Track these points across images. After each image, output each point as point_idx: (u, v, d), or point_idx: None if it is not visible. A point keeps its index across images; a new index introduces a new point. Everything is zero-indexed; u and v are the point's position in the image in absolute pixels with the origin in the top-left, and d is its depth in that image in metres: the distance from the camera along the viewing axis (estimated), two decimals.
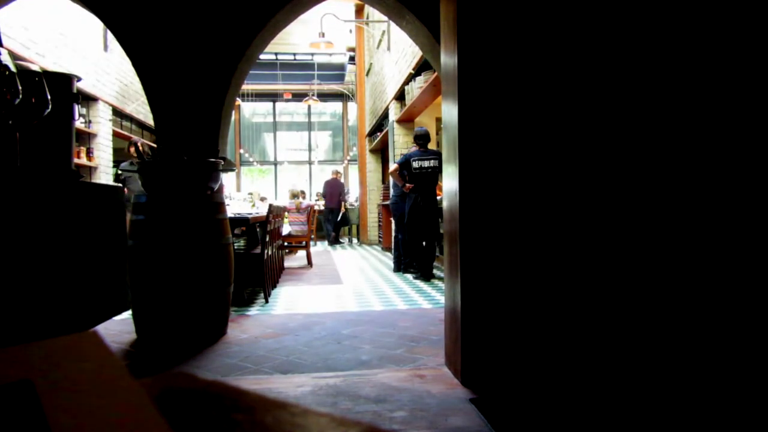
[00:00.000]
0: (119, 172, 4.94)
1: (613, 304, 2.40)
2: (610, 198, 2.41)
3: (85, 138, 8.17)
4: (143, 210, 3.16)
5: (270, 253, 5.03)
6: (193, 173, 3.23)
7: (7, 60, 1.27)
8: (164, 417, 0.22)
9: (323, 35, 9.73)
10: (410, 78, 8.12)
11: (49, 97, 1.41)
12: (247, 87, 14.35)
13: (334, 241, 12.50)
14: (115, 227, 1.91)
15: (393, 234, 6.80)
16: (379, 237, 10.88)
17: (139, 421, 0.21)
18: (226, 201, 4.18)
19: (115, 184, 4.95)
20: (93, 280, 1.69)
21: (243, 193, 10.31)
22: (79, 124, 7.90)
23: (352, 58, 14.34)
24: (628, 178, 2.42)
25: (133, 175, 7.91)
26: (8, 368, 0.23)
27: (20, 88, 1.27)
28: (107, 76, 8.77)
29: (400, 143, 9.58)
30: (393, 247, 6.94)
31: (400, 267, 6.68)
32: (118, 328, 3.50)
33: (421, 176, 5.88)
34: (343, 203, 12.51)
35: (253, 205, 7.39)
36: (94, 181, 7.79)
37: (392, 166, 6.24)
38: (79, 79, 1.81)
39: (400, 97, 9.33)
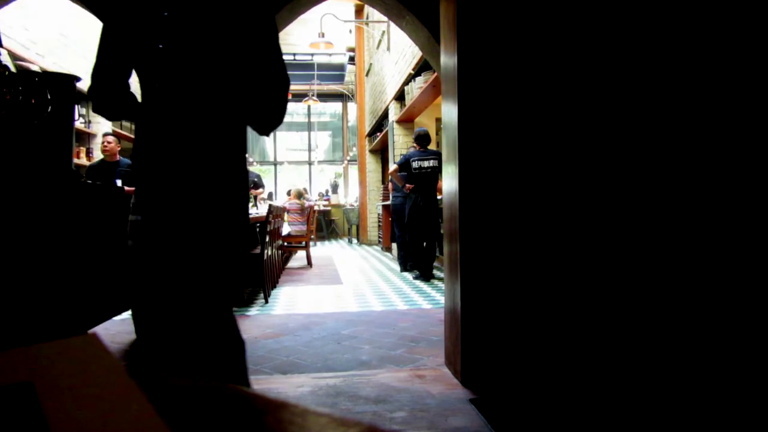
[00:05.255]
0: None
1: (613, 303, 2.40)
2: (610, 198, 2.41)
3: (85, 138, 8.17)
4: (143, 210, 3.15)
5: (270, 253, 5.03)
6: None
7: (7, 60, 1.27)
8: (163, 417, 0.22)
9: (323, 35, 9.73)
10: (410, 78, 8.12)
11: (49, 97, 1.42)
12: None
13: None
14: (115, 227, 1.91)
15: (398, 235, 6.80)
16: (379, 237, 10.89)
17: (138, 422, 0.21)
18: None
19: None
20: (93, 280, 1.69)
21: None
22: (79, 124, 7.88)
23: (351, 59, 14.34)
24: (627, 178, 2.42)
25: None
26: (8, 370, 0.23)
27: (20, 88, 1.28)
28: None
29: (400, 143, 9.58)
30: (397, 247, 6.95)
31: (406, 267, 6.69)
32: (118, 329, 3.50)
33: (420, 176, 5.88)
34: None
35: (254, 206, 7.38)
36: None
37: (392, 167, 6.25)
38: (79, 80, 1.81)
39: (399, 97, 9.33)
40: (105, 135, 5.31)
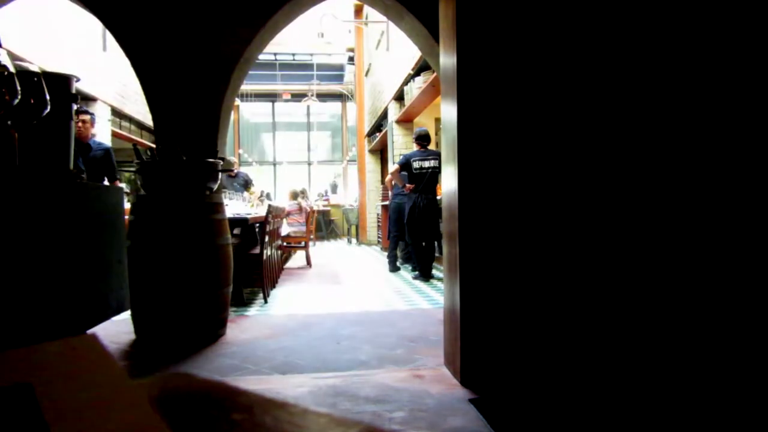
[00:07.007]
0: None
1: (612, 303, 2.40)
2: (610, 198, 2.41)
3: None
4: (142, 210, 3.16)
5: (269, 253, 5.02)
6: (192, 173, 3.22)
7: (6, 60, 1.27)
8: (163, 418, 0.22)
9: (322, 35, 9.74)
10: (409, 78, 8.13)
11: (48, 97, 1.41)
12: (246, 87, 14.35)
13: None
14: (115, 228, 1.91)
15: (394, 234, 6.81)
16: (379, 237, 10.89)
17: (138, 422, 0.21)
18: (225, 201, 4.18)
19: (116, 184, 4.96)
20: (92, 281, 1.68)
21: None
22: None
23: (351, 59, 14.34)
24: (627, 178, 2.42)
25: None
26: (8, 371, 0.23)
27: (19, 88, 1.27)
28: (106, 76, 8.77)
29: (400, 143, 9.59)
30: (390, 247, 6.96)
31: (395, 267, 6.74)
32: (117, 329, 3.50)
33: (421, 176, 5.88)
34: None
35: (252, 206, 7.36)
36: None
37: (393, 167, 6.25)
38: (77, 80, 1.81)
39: (399, 97, 9.33)
40: (78, 113, 4.63)
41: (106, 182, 4.73)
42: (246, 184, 8.16)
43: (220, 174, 3.42)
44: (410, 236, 6.02)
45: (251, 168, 17.69)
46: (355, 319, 3.93)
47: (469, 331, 2.38)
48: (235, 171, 8.04)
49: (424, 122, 9.26)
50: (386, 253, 7.08)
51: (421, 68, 7.52)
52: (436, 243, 6.25)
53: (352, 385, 2.36)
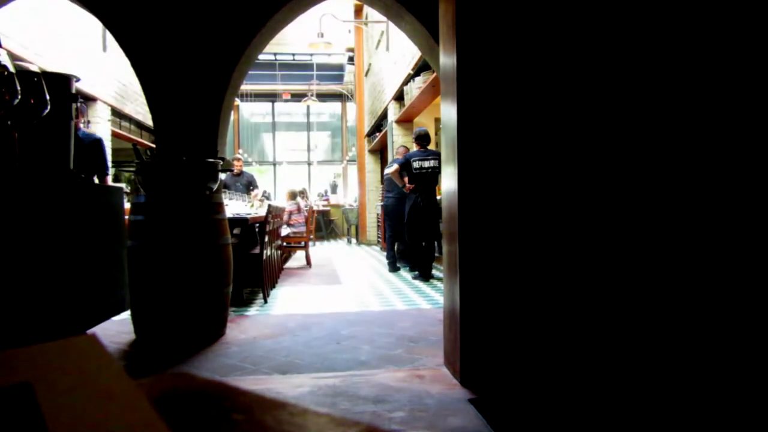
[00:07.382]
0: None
1: (612, 303, 2.40)
2: (609, 198, 2.42)
3: None
4: (142, 210, 3.16)
5: (269, 253, 5.02)
6: (192, 173, 3.22)
7: (5, 60, 1.27)
8: (163, 418, 0.22)
9: (322, 35, 9.74)
10: (409, 78, 8.13)
11: (47, 97, 1.41)
12: (245, 87, 14.35)
13: None
14: (114, 227, 1.91)
15: (389, 235, 6.80)
16: (378, 237, 10.89)
17: (137, 422, 0.21)
18: (225, 201, 4.18)
19: (116, 184, 4.94)
20: (92, 281, 1.68)
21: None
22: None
23: (351, 59, 14.34)
24: (626, 178, 2.42)
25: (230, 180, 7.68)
26: (7, 371, 0.23)
27: (19, 88, 1.27)
28: (106, 76, 8.77)
29: (399, 143, 9.57)
30: (387, 248, 6.96)
31: (395, 267, 6.74)
32: (117, 329, 3.50)
33: (421, 176, 5.89)
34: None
35: (252, 206, 7.35)
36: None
37: (392, 167, 6.25)
38: (77, 80, 1.81)
39: (399, 97, 9.33)
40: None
41: (96, 179, 4.49)
42: (249, 186, 8.13)
43: (219, 174, 3.43)
44: (410, 236, 6.02)
45: (251, 168, 17.71)
46: (354, 319, 3.93)
47: (469, 331, 2.38)
48: (236, 170, 7.96)
49: (424, 122, 9.26)
50: (386, 254, 7.08)
51: (421, 68, 7.52)
52: (436, 243, 6.25)
53: (351, 385, 2.36)
